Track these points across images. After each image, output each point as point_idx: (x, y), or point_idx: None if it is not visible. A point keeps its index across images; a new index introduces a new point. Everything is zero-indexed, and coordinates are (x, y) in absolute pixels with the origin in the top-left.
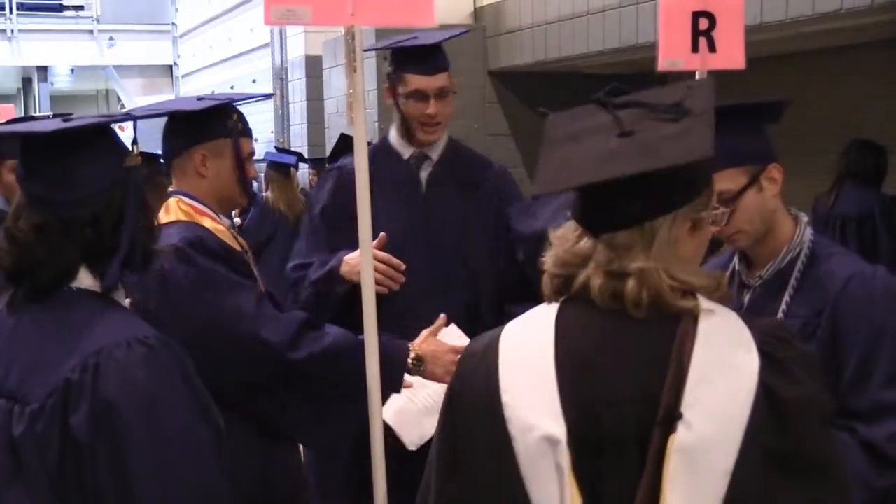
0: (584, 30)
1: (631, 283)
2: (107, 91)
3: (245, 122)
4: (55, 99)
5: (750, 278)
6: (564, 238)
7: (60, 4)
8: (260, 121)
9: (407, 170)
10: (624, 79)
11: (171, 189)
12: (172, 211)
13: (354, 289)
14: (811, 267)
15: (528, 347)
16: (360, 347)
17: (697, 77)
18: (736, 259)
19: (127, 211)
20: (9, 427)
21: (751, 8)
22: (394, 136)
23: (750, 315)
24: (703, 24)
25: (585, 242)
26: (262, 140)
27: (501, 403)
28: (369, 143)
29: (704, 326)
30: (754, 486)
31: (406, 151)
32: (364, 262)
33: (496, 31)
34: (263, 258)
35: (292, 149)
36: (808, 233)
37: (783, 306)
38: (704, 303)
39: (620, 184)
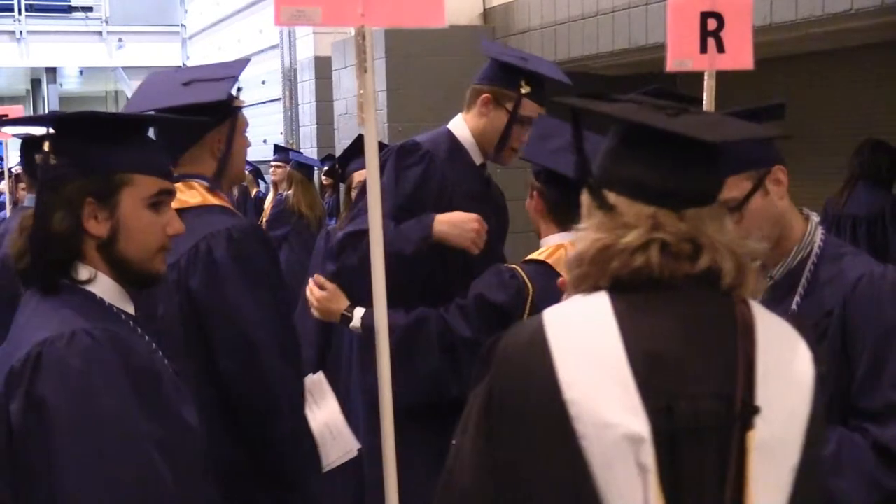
0: (593, 30)
1: (727, 261)
2: (116, 92)
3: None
4: (64, 100)
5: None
6: (622, 224)
7: (69, 6)
8: (269, 122)
9: (482, 179)
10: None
11: (183, 172)
12: (200, 194)
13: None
14: (822, 267)
15: (588, 339)
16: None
17: (706, 77)
18: None
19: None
20: None
21: (760, 8)
22: (468, 138)
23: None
24: (712, 24)
25: (673, 221)
26: (272, 141)
27: (565, 402)
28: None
29: (759, 316)
30: (815, 480)
31: (477, 158)
32: (374, 254)
33: (506, 31)
34: (282, 256)
35: (301, 150)
36: (819, 233)
37: (794, 307)
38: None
39: (704, 157)
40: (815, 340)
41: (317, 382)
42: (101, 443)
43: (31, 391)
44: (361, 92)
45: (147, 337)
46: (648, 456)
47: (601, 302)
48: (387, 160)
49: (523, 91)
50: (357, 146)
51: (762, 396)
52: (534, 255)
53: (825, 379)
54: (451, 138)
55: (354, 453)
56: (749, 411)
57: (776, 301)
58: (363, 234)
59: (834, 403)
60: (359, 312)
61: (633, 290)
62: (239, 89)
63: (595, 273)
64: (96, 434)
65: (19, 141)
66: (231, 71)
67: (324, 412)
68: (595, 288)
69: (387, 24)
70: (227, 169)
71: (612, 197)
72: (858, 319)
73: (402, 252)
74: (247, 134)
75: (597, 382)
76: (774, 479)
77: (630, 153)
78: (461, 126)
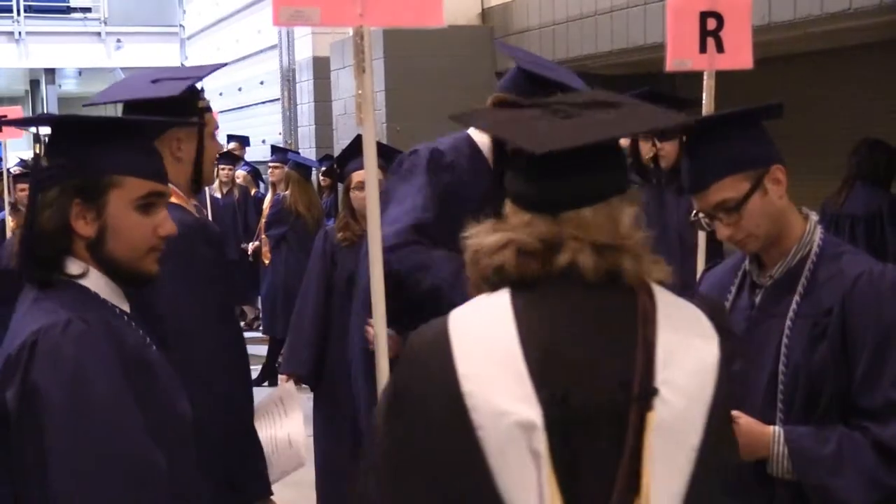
0: (592, 30)
1: (626, 258)
2: None
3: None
4: (63, 101)
5: (761, 278)
6: (511, 226)
7: (68, 6)
8: (268, 122)
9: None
10: (632, 79)
11: None
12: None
13: None
14: (821, 266)
15: (486, 334)
16: None
17: (705, 77)
18: (747, 259)
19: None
20: None
21: (759, 8)
22: (484, 143)
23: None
24: (711, 24)
25: (544, 224)
26: (270, 141)
27: (463, 393)
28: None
29: (661, 301)
30: (716, 461)
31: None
32: (373, 258)
33: (504, 31)
34: (280, 256)
35: (300, 150)
36: (819, 232)
37: (793, 305)
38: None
39: (589, 159)
40: (726, 323)
41: (288, 392)
42: (94, 428)
43: (25, 378)
44: (360, 92)
45: (141, 331)
46: (541, 443)
47: (501, 299)
48: (409, 168)
49: (526, 92)
50: (355, 146)
51: (662, 379)
52: None
53: (731, 360)
54: (471, 144)
55: (303, 465)
56: (647, 394)
57: (776, 300)
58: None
59: (834, 402)
60: None
61: (531, 288)
62: (238, 89)
63: (473, 273)
64: (89, 419)
65: (19, 141)
66: (197, 72)
67: (287, 422)
68: (495, 287)
69: (385, 24)
70: (201, 170)
71: (507, 206)
72: (858, 318)
73: (436, 286)
74: (217, 135)
75: (492, 374)
76: (673, 459)
77: (515, 164)
78: (481, 133)
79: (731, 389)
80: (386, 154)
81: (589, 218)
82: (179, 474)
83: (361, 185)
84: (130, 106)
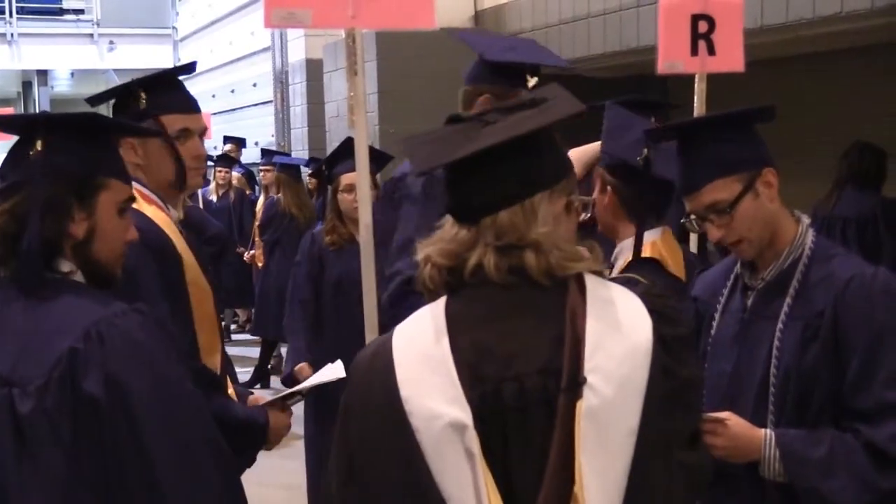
0: (584, 33)
1: (529, 254)
2: None
3: (179, 94)
4: (55, 102)
5: (753, 280)
6: (440, 238)
7: (60, 8)
8: (261, 124)
9: None
10: (624, 82)
11: None
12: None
13: None
14: (813, 268)
15: (421, 341)
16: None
17: (697, 79)
18: (739, 262)
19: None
20: (11, 409)
21: (751, 11)
22: None
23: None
24: (703, 27)
25: (466, 231)
26: (263, 144)
27: (401, 398)
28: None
29: (593, 292)
30: (660, 444)
31: None
32: (364, 260)
33: (497, 34)
34: (274, 259)
35: (292, 152)
36: (811, 235)
37: (785, 308)
38: (587, 272)
39: (495, 165)
40: (661, 304)
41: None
42: (182, 414)
43: (105, 363)
44: (352, 94)
45: None
46: (472, 441)
47: (437, 306)
48: (405, 192)
49: (531, 86)
50: (344, 148)
51: (590, 367)
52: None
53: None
54: None
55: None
56: (575, 383)
57: (767, 302)
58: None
59: (825, 404)
60: None
61: (460, 294)
62: (231, 91)
63: (443, 276)
64: (171, 401)
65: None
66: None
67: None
68: (432, 297)
69: (377, 27)
70: (154, 177)
71: (446, 217)
72: (850, 320)
73: None
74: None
75: (426, 379)
76: (609, 445)
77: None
78: None
79: (673, 368)
80: (376, 158)
81: (505, 221)
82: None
83: (349, 188)
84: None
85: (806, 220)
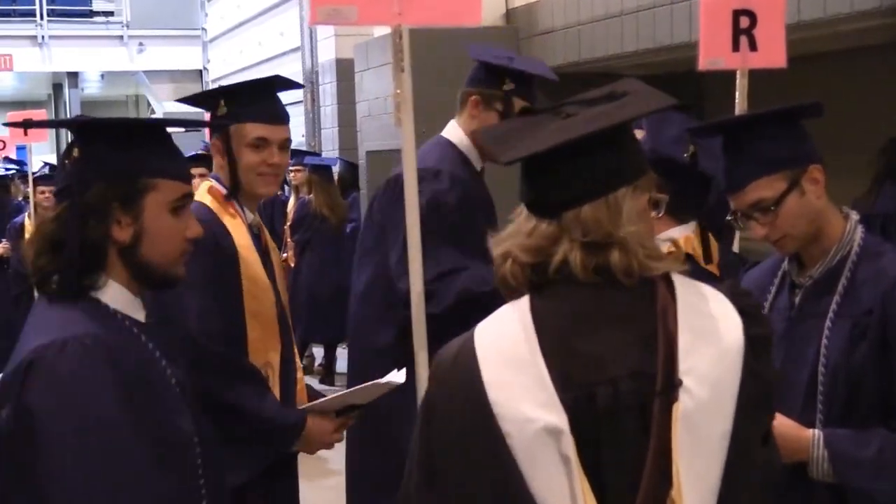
0: (617, 30)
1: (615, 253)
2: (136, 96)
3: (262, 104)
4: (85, 104)
5: (800, 278)
6: (517, 231)
7: (90, 10)
8: (291, 124)
9: (482, 182)
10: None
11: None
12: (200, 191)
13: None
14: (861, 266)
15: (508, 342)
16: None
17: (738, 75)
18: (786, 259)
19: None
20: None
21: (789, 6)
22: (465, 143)
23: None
24: (745, 22)
25: (548, 225)
26: (294, 144)
27: (489, 402)
28: None
29: (681, 291)
30: (749, 446)
31: (477, 163)
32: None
33: (529, 32)
34: (304, 259)
35: (323, 152)
36: (860, 231)
37: (833, 306)
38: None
39: (579, 157)
40: (749, 304)
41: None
42: (87, 451)
43: (19, 399)
44: (398, 91)
45: (151, 344)
46: (569, 446)
47: (521, 305)
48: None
49: (506, 88)
50: None
51: (685, 369)
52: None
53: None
54: (453, 148)
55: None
56: (671, 386)
57: (815, 300)
58: (449, 274)
59: (874, 403)
60: None
61: (545, 292)
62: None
63: (526, 273)
64: (82, 442)
65: (41, 145)
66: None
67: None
68: (512, 295)
69: (423, 23)
70: (235, 179)
71: (519, 208)
72: None
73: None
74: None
75: (516, 381)
76: (704, 448)
77: (523, 168)
78: (456, 132)
79: (759, 370)
80: None
81: (589, 215)
82: (182, 495)
83: None
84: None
85: (855, 216)
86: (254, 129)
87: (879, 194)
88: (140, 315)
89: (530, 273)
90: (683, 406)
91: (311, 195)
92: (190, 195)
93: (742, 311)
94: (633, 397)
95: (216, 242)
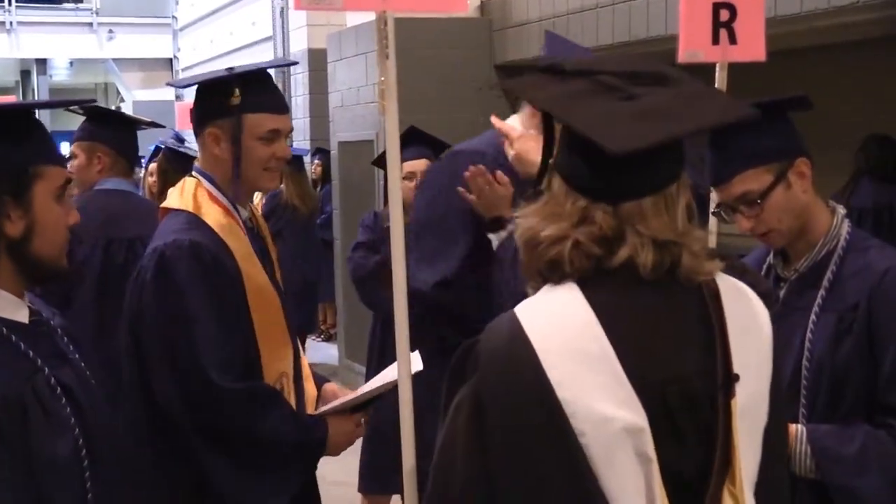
0: (593, 23)
1: (685, 255)
2: (105, 84)
3: (272, 93)
4: (54, 92)
5: (786, 272)
6: (568, 214)
7: None
8: None
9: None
10: None
11: (195, 164)
12: (186, 194)
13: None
14: (847, 260)
15: (571, 335)
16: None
17: (718, 69)
18: (772, 253)
19: None
20: None
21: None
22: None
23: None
24: (724, 15)
25: (604, 213)
26: None
27: (559, 401)
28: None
29: (723, 286)
30: (781, 439)
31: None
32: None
33: (503, 24)
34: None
35: (294, 143)
36: (846, 226)
37: (818, 300)
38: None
39: (657, 148)
40: (767, 291)
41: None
42: None
43: None
44: (382, 79)
45: (31, 352)
46: (648, 445)
47: (574, 296)
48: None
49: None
50: (406, 137)
51: (737, 363)
52: None
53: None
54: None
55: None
56: (730, 381)
57: (800, 294)
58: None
59: (858, 399)
60: (508, 229)
61: (597, 283)
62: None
63: (527, 259)
64: None
65: None
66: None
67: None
68: (546, 279)
69: (409, 10)
70: (240, 171)
71: (556, 182)
72: (885, 313)
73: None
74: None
75: (589, 379)
76: (752, 441)
77: (572, 141)
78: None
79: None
80: (433, 144)
81: (648, 209)
82: None
83: (410, 176)
84: None
85: (841, 210)
86: (267, 121)
87: (855, 190)
88: (22, 315)
89: (589, 262)
90: (740, 400)
91: (283, 185)
92: (70, 180)
93: (764, 299)
94: (699, 395)
95: (217, 264)
